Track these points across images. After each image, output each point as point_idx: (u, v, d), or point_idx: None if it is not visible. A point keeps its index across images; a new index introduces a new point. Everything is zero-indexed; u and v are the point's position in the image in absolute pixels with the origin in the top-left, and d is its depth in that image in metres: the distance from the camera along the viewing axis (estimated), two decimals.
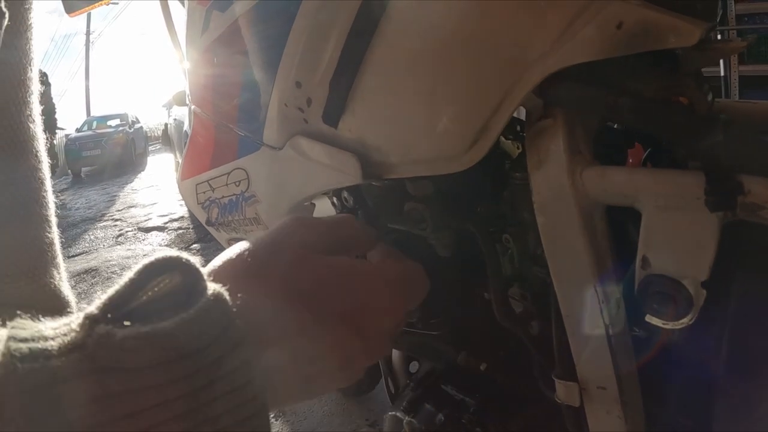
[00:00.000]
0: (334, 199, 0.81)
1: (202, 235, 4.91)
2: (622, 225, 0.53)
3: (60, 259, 0.53)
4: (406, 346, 0.81)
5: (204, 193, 0.89)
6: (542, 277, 0.61)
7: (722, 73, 3.45)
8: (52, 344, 0.22)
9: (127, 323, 0.24)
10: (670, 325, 0.49)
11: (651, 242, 0.47)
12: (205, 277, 0.28)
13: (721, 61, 3.41)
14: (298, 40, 0.57)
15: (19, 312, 0.26)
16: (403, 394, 0.88)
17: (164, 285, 0.26)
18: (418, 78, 0.50)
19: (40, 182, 0.50)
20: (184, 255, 0.28)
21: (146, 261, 0.27)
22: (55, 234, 0.53)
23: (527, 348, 0.69)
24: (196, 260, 0.28)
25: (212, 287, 0.27)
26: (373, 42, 0.50)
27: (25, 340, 0.22)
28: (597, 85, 0.47)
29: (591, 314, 0.52)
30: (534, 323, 0.64)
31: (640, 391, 0.57)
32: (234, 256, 0.35)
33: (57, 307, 0.50)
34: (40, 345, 0.22)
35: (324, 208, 0.91)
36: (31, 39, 0.47)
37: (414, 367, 1.21)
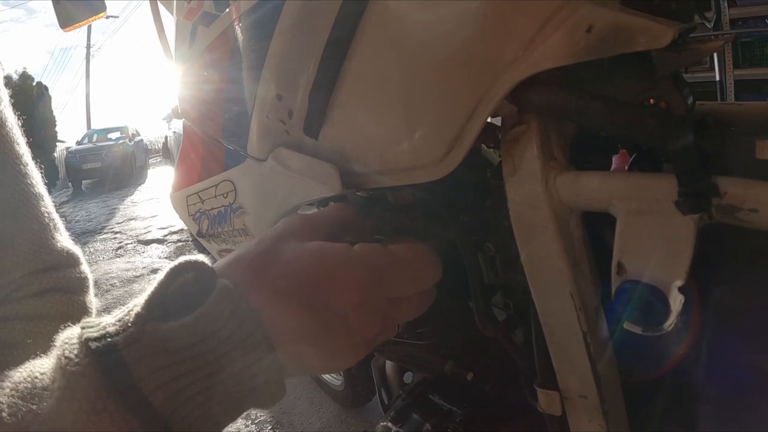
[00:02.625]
0: (321, 209, 0.82)
1: (201, 247, 4.91)
2: (602, 231, 0.53)
3: (59, 221, 0.65)
4: (394, 355, 0.81)
5: (194, 204, 0.90)
6: (524, 284, 0.62)
7: (717, 78, 3.45)
8: (118, 340, 0.31)
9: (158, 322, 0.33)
10: (648, 332, 0.49)
11: (626, 248, 0.47)
12: (216, 272, 0.38)
13: (716, 66, 3.42)
14: (278, 54, 0.57)
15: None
16: (394, 405, 0.88)
17: (185, 281, 0.35)
18: (392, 88, 0.50)
19: (24, 166, 0.60)
20: (200, 257, 0.37)
21: (171, 265, 0.36)
22: (49, 203, 0.63)
23: (511, 356, 0.70)
24: (208, 261, 0.38)
25: (220, 282, 0.36)
26: (349, 54, 0.51)
27: (98, 338, 0.31)
28: (572, 90, 0.47)
29: (568, 322, 0.52)
30: (517, 332, 0.65)
31: (623, 398, 0.57)
32: (232, 255, 0.42)
33: (71, 263, 0.63)
34: (110, 341, 0.31)
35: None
36: None
37: (409, 377, 1.21)
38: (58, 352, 0.32)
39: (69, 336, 0.33)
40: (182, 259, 0.36)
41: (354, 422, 2.21)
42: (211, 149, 0.80)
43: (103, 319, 0.34)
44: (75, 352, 0.31)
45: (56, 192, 12.37)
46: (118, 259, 5.22)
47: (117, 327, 0.32)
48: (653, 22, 0.40)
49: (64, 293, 0.62)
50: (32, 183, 0.61)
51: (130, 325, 0.32)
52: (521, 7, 0.43)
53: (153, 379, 0.31)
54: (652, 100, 0.51)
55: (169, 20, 1.14)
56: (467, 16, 0.45)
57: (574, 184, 0.47)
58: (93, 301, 0.68)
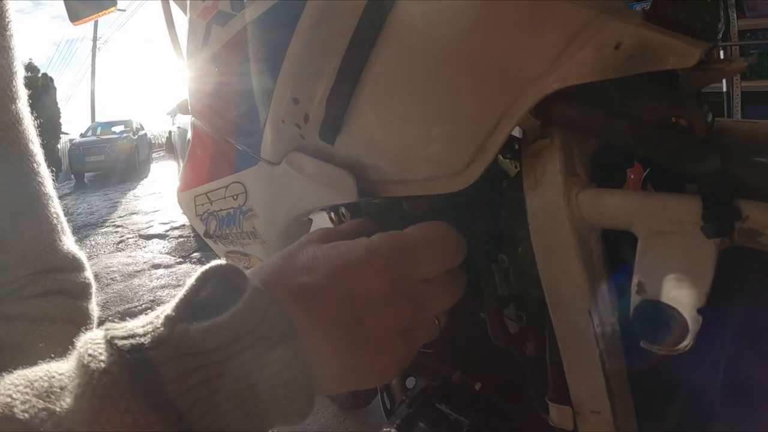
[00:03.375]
0: (332, 215, 0.81)
1: (202, 244, 4.90)
2: (619, 248, 0.53)
3: (66, 224, 0.64)
4: None
5: (202, 205, 0.89)
6: (538, 297, 0.61)
7: (724, 89, 3.45)
8: (146, 340, 0.30)
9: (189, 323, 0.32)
10: (664, 352, 0.48)
11: (646, 267, 0.46)
12: (247, 276, 0.37)
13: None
14: (296, 56, 0.57)
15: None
16: (398, 411, 0.87)
17: (216, 285, 0.35)
18: (415, 96, 0.50)
19: (38, 165, 0.60)
20: (227, 262, 0.37)
21: (203, 269, 0.35)
22: (58, 205, 0.63)
23: (523, 368, 0.69)
24: (240, 266, 0.37)
25: (251, 284, 0.35)
26: (371, 59, 0.50)
27: (124, 337, 0.30)
28: (595, 106, 0.46)
29: (585, 338, 0.51)
30: (529, 344, 0.64)
31: (635, 415, 0.56)
32: (257, 265, 0.41)
33: (76, 267, 0.63)
34: (137, 341, 0.30)
35: (320, 222, 0.91)
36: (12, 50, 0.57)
37: (411, 382, 1.21)
38: (81, 351, 0.31)
39: (92, 337, 0.32)
40: (214, 263, 0.36)
41: (353, 424, 2.21)
42: (221, 150, 0.80)
43: (129, 323, 0.33)
44: (100, 350, 0.30)
45: (59, 184, 12.35)
46: (119, 253, 5.21)
47: (145, 328, 0.31)
48: (681, 41, 0.40)
49: (68, 297, 0.61)
50: (44, 183, 0.61)
51: (159, 326, 0.31)
52: (550, 21, 0.43)
53: (181, 382, 0.30)
54: (674, 119, 0.50)
55: (179, 18, 1.13)
56: (496, 28, 0.44)
57: (597, 202, 0.46)
58: (95, 309, 0.67)
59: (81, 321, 0.62)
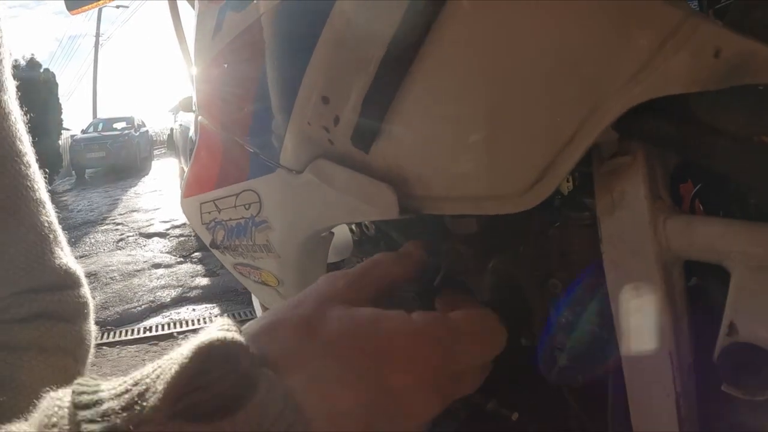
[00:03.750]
0: (353, 226, 0.73)
1: (204, 244, 4.84)
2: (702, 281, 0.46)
3: (61, 235, 0.58)
4: None
5: (209, 213, 0.82)
6: (592, 328, 0.54)
7: None
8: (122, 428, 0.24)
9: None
10: (749, 397, 0.41)
11: (741, 307, 0.39)
12: (257, 356, 0.30)
13: None
14: (329, 46, 0.49)
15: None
16: None
17: (218, 376, 0.27)
18: (472, 101, 0.42)
19: (26, 167, 0.53)
20: (232, 333, 0.30)
21: (199, 343, 0.28)
22: (51, 213, 0.57)
23: (566, 402, 0.62)
24: (243, 339, 0.30)
25: (263, 375, 0.29)
26: (421, 53, 0.43)
27: (92, 420, 0.25)
28: (685, 120, 0.39)
29: (661, 382, 0.44)
30: (579, 378, 0.57)
31: None
32: (266, 321, 0.36)
33: (69, 284, 0.56)
34: (109, 424, 0.24)
35: (340, 234, 0.84)
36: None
37: None
38: (42, 415, 0.26)
39: (57, 401, 0.27)
40: (213, 336, 0.29)
41: None
42: (232, 153, 0.72)
43: (104, 388, 0.27)
44: (63, 421, 0.25)
45: (59, 180, 12.33)
46: (118, 252, 5.14)
47: (123, 414, 0.25)
48: None
49: (57, 321, 0.55)
50: (33, 187, 0.54)
51: (145, 417, 0.25)
52: (638, 20, 0.36)
53: None
54: (763, 137, 0.43)
55: (184, 8, 1.06)
56: (576, 26, 0.37)
57: (688, 231, 0.39)
58: (92, 329, 0.60)
59: (74, 347, 0.56)
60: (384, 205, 0.47)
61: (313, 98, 0.52)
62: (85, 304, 0.59)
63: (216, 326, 0.31)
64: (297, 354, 0.33)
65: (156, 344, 2.96)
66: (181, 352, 0.29)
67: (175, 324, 3.19)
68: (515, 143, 0.41)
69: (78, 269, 0.60)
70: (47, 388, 0.28)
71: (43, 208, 0.56)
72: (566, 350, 0.56)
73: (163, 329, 3.15)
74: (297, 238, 0.64)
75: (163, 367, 0.28)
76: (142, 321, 3.35)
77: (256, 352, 0.31)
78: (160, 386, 0.26)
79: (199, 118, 0.84)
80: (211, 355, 0.28)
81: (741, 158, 0.39)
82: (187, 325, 3.14)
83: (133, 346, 3.00)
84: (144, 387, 0.27)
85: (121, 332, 3.17)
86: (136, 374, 0.28)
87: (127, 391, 0.27)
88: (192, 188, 0.87)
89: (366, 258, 0.80)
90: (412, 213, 0.48)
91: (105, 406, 0.26)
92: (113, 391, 0.27)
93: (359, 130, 0.50)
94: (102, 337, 3.11)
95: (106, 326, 3.27)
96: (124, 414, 0.25)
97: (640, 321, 0.42)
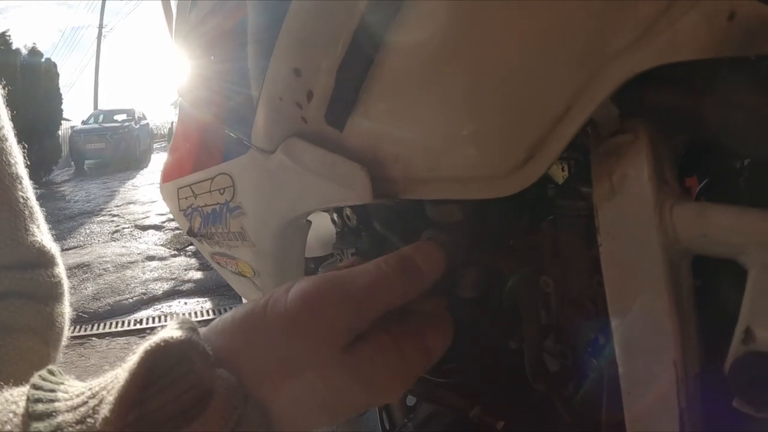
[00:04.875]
0: (335, 216, 0.69)
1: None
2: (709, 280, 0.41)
3: (38, 212, 0.55)
4: (414, 391, 0.68)
5: (186, 198, 0.77)
6: (586, 332, 0.49)
7: None
8: None
9: None
10: (763, 415, 0.37)
11: (760, 311, 0.34)
12: (211, 357, 0.28)
13: None
14: (300, 16, 0.44)
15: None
16: None
17: (171, 380, 0.25)
18: (456, 73, 0.37)
19: (2, 140, 0.51)
20: (182, 334, 0.28)
21: (150, 344, 0.26)
22: (28, 189, 0.54)
23: (555, 409, 0.57)
24: (197, 338, 0.28)
25: (220, 378, 0.27)
26: (397, 20, 0.38)
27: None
28: (685, 91, 0.35)
29: (664, 394, 0.39)
30: (571, 386, 0.52)
31: None
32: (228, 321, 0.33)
33: (43, 262, 0.54)
34: None
35: (320, 225, 0.79)
36: None
37: (411, 400, 1.09)
38: None
39: (12, 401, 0.26)
40: (163, 336, 0.27)
41: None
42: (209, 135, 0.68)
43: (61, 390, 0.27)
44: (16, 423, 0.24)
45: (58, 170, 12.29)
46: (113, 243, 5.09)
47: (78, 427, 0.24)
48: None
49: (28, 300, 0.52)
50: (9, 161, 0.51)
51: (97, 427, 0.24)
52: None
53: None
54: None
55: None
56: None
57: (698, 220, 0.34)
58: (66, 311, 0.57)
59: (44, 329, 0.53)
60: (356, 188, 0.43)
61: (285, 70, 0.47)
62: (58, 284, 0.56)
63: (171, 325, 0.29)
64: (249, 346, 0.30)
65: (145, 337, 2.91)
66: (133, 357, 0.26)
67: (166, 317, 3.15)
68: (501, 117, 0.36)
69: (54, 248, 0.57)
70: (14, 369, 0.29)
71: (20, 183, 0.53)
72: (557, 355, 0.52)
73: (154, 322, 3.11)
74: (271, 226, 0.59)
75: (118, 375, 0.26)
76: (133, 313, 3.31)
77: (212, 350, 0.29)
78: (111, 397, 0.25)
79: (180, 99, 0.79)
80: (160, 359, 0.26)
81: (762, 136, 0.34)
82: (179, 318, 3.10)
83: (122, 338, 2.95)
84: (99, 399, 0.25)
85: (111, 323, 3.13)
86: (95, 384, 0.27)
87: (83, 403, 0.25)
88: (170, 173, 0.82)
89: (346, 251, 0.75)
90: (388, 198, 0.43)
91: (59, 419, 0.24)
92: (69, 403, 0.25)
93: (333, 105, 0.45)
94: (92, 328, 3.07)
95: (97, 317, 3.23)
96: (78, 427, 0.24)
97: (641, 324, 0.37)
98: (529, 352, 0.48)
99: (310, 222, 0.63)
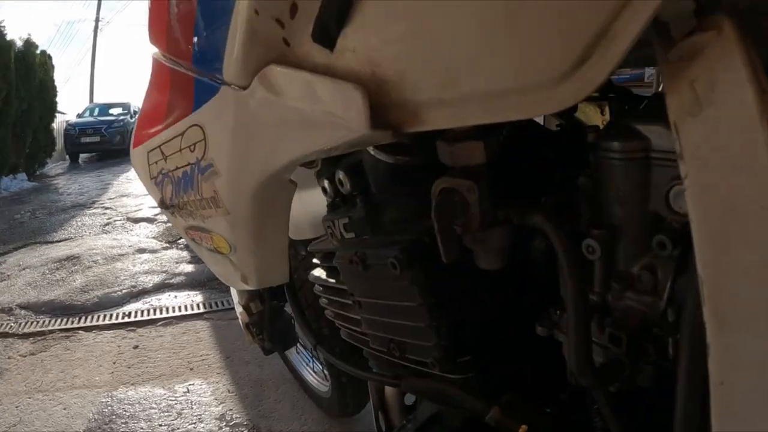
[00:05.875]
0: (326, 183, 0.58)
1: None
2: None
3: None
4: (418, 390, 0.58)
5: (156, 163, 0.67)
6: (642, 309, 0.39)
7: None
8: None
9: None
10: None
11: None
12: None
13: None
14: None
15: None
16: None
17: None
18: None
19: None
20: None
21: None
22: None
23: (594, 410, 0.47)
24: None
25: None
26: None
27: None
28: None
29: None
30: (624, 380, 0.41)
31: None
32: None
33: None
34: None
35: (307, 195, 0.69)
36: None
37: (410, 399, 0.99)
38: None
39: None
40: None
41: None
42: (179, 84, 0.58)
43: None
44: None
45: (52, 163, 12.15)
46: (104, 236, 4.97)
47: None
48: None
49: None
50: None
51: None
52: None
53: None
54: None
55: None
56: None
57: None
58: None
59: None
60: (352, 115, 0.33)
61: None
62: None
63: None
64: None
65: (134, 330, 2.80)
66: None
67: (155, 310, 3.04)
68: (546, 5, 0.26)
69: None
70: None
71: None
72: (607, 341, 0.41)
73: (142, 315, 3.00)
74: (247, 186, 0.49)
75: None
76: (121, 306, 3.19)
77: None
78: None
79: (152, 52, 0.69)
80: None
81: None
82: (168, 312, 2.99)
83: (110, 332, 2.84)
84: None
85: (99, 316, 3.02)
86: None
87: None
88: (140, 135, 0.72)
89: (339, 221, 0.65)
90: (390, 128, 0.33)
91: None
92: None
93: (322, 18, 0.35)
94: (78, 321, 2.97)
95: (84, 310, 3.13)
96: None
97: (747, 283, 0.27)
98: (574, 338, 0.38)
99: (295, 183, 0.53)
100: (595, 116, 0.45)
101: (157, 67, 0.65)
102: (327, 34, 0.35)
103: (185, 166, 0.58)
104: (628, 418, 0.43)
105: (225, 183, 0.51)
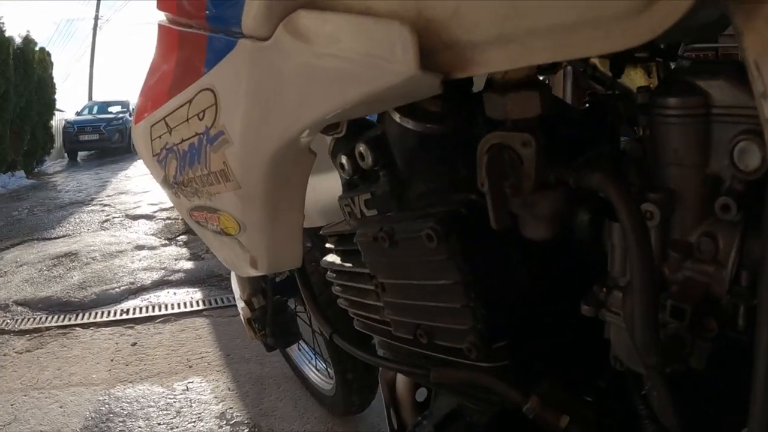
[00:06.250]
0: (343, 159, 0.54)
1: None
2: None
3: None
4: (448, 381, 0.53)
5: (160, 138, 0.63)
6: (703, 279, 0.35)
7: None
8: None
9: None
10: None
11: None
12: None
13: None
14: None
15: None
16: None
17: None
18: None
19: None
20: None
21: None
22: None
23: (639, 396, 0.43)
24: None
25: None
26: None
27: None
28: None
29: None
30: (681, 359, 0.37)
31: None
32: None
33: None
34: None
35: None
36: None
37: (421, 395, 0.94)
38: None
39: None
40: None
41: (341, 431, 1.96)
42: (188, 48, 0.53)
43: None
44: None
45: (51, 161, 12.12)
46: (102, 232, 4.93)
47: None
48: None
49: None
50: None
51: None
52: None
53: None
54: None
55: None
56: None
57: None
58: None
59: None
60: (397, 54, 0.28)
61: None
62: None
63: None
64: None
65: (132, 327, 2.76)
66: None
67: (153, 307, 3.00)
68: None
69: None
70: None
71: None
72: (670, 314, 0.37)
73: (140, 312, 2.95)
74: (262, 153, 0.45)
75: None
76: (119, 303, 3.15)
77: None
78: None
79: (158, 19, 0.65)
80: None
81: None
82: (166, 309, 2.95)
83: (107, 329, 2.80)
84: None
85: (96, 313, 2.98)
86: None
87: None
88: (143, 109, 0.68)
89: (359, 198, 0.60)
90: (442, 72, 0.29)
91: None
92: None
93: None
94: (76, 318, 2.93)
95: (82, 307, 3.09)
96: None
97: None
98: (641, 313, 0.33)
99: (314, 154, 0.48)
100: (641, 80, 0.41)
101: (164, 34, 0.61)
102: None
103: (192, 137, 0.54)
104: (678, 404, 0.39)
105: (237, 152, 0.47)
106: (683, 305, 0.33)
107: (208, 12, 0.46)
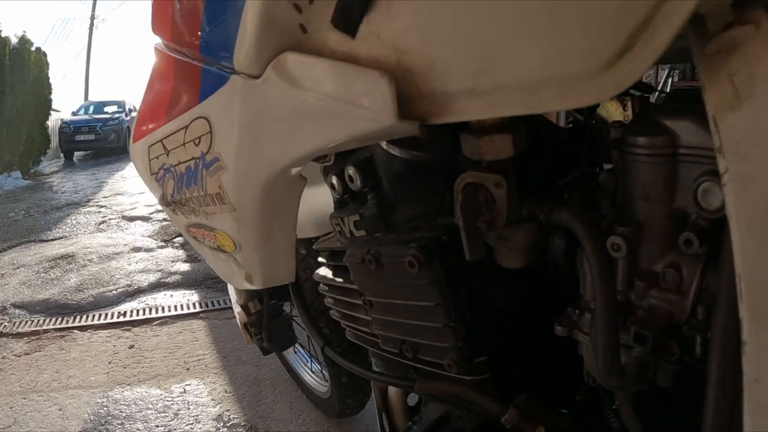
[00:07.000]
0: (334, 180, 0.56)
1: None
2: None
3: None
4: (432, 392, 0.55)
5: (158, 158, 0.65)
6: (667, 308, 0.38)
7: None
8: None
9: None
10: None
11: None
12: None
13: None
14: None
15: None
16: None
17: None
18: None
19: None
20: None
21: None
22: None
23: (611, 410, 0.46)
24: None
25: None
26: None
27: None
28: None
29: None
30: (644, 380, 0.40)
31: None
32: None
33: None
34: None
35: (317, 191, 0.67)
36: None
37: (413, 399, 0.97)
38: None
39: None
40: None
41: None
42: (183, 75, 0.56)
43: None
44: None
45: (47, 161, 12.09)
46: (99, 234, 4.94)
47: None
48: None
49: None
50: None
51: None
52: None
53: None
54: None
55: None
56: None
57: None
58: None
59: None
60: (377, 104, 0.31)
61: None
62: None
63: None
64: None
65: (129, 330, 2.78)
66: None
67: (150, 310, 3.01)
68: None
69: None
70: None
71: None
72: (632, 340, 0.39)
73: (138, 314, 2.97)
74: (256, 181, 0.47)
75: None
76: (117, 305, 3.17)
77: None
78: None
79: (155, 43, 0.67)
80: None
81: None
82: (164, 311, 2.96)
83: (105, 331, 2.82)
84: None
85: (94, 316, 2.99)
86: None
87: None
88: (141, 129, 0.70)
89: (348, 219, 0.63)
90: (418, 121, 0.31)
91: None
92: None
93: (344, 3, 0.33)
94: (73, 320, 2.94)
95: (79, 309, 3.10)
96: None
97: None
98: (602, 338, 0.36)
99: (305, 179, 0.51)
100: (616, 112, 0.44)
101: (160, 58, 0.63)
102: (348, 19, 0.33)
103: (189, 160, 0.56)
104: (648, 418, 0.42)
105: (232, 178, 0.49)
106: (646, 332, 0.36)
107: (202, 45, 0.48)
